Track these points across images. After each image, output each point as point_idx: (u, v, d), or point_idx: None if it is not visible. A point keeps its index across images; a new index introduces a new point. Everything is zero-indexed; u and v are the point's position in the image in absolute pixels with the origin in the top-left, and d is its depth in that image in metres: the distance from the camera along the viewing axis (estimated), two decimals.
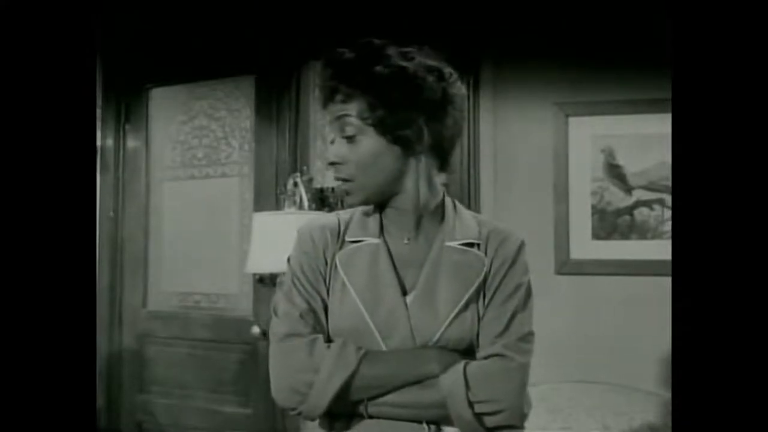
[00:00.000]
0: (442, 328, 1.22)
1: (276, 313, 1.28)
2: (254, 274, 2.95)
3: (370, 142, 1.22)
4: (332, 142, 1.27)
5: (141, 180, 3.44)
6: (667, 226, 2.60)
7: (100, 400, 3.33)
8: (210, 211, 3.30)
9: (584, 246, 2.67)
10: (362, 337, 1.22)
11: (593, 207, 2.67)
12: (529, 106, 2.74)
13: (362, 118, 1.21)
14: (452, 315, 1.22)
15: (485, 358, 1.22)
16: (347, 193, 1.27)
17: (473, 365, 1.20)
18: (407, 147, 1.23)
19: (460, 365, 1.20)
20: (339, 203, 2.96)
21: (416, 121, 1.21)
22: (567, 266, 2.67)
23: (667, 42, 1.19)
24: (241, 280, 3.15)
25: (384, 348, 1.22)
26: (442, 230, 1.29)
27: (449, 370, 1.19)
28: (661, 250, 2.55)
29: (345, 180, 1.25)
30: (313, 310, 1.25)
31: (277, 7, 3.00)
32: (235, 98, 3.26)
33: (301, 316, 1.24)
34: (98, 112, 3.41)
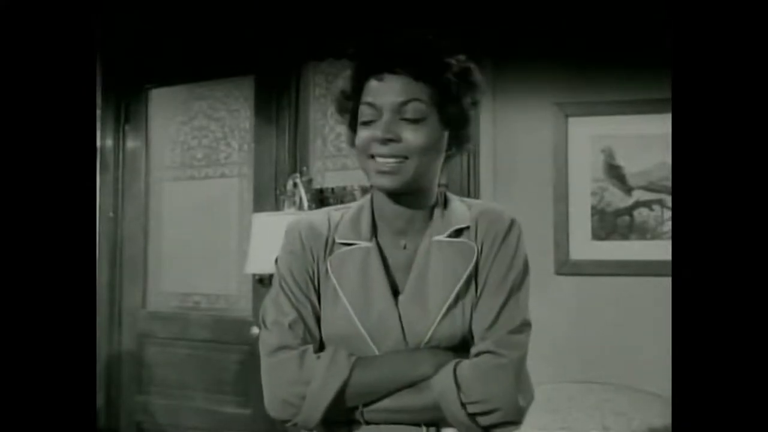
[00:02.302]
0: (433, 327, 1.19)
1: (265, 324, 1.25)
2: (254, 275, 2.95)
3: (434, 128, 1.21)
4: (366, 122, 1.21)
5: (140, 180, 3.44)
6: (667, 227, 2.60)
7: (100, 401, 3.33)
8: (209, 212, 3.31)
9: (584, 246, 2.67)
10: (355, 343, 1.20)
11: (593, 207, 2.67)
12: (529, 106, 2.74)
13: (433, 104, 1.20)
14: (442, 313, 1.19)
15: (476, 355, 1.19)
16: (387, 173, 1.19)
17: (464, 365, 1.18)
18: (463, 141, 1.28)
19: (451, 366, 1.18)
20: (339, 204, 2.96)
21: (470, 113, 1.26)
22: (566, 266, 2.66)
23: (667, 42, 1.18)
24: (241, 281, 3.14)
25: (377, 353, 1.20)
26: (431, 226, 1.26)
27: (440, 371, 1.18)
28: (661, 250, 2.55)
29: (398, 157, 1.19)
30: (302, 318, 1.23)
31: (276, 7, 3.00)
32: (234, 98, 3.26)
33: (289, 326, 1.22)
34: (98, 112, 3.41)
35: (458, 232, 1.25)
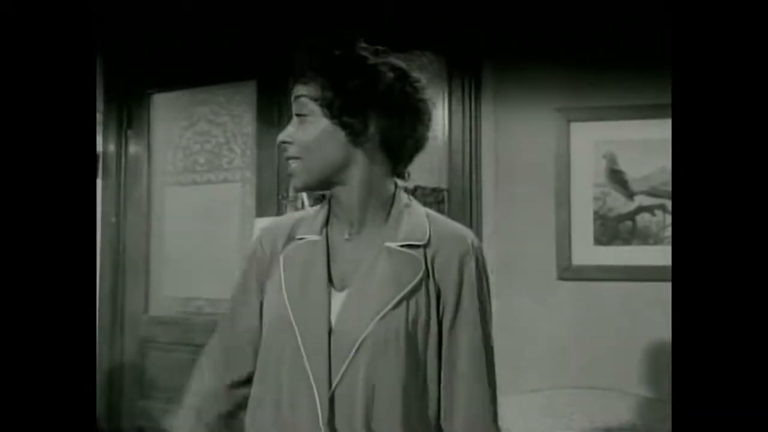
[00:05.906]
0: (368, 330, 1.17)
1: None
2: None
3: (318, 123, 1.23)
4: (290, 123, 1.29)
5: (143, 185, 3.44)
6: (669, 232, 2.60)
7: (102, 406, 3.33)
8: (212, 217, 3.31)
9: (586, 251, 2.67)
10: (283, 330, 1.22)
11: (595, 212, 2.67)
12: (531, 111, 2.74)
13: (313, 99, 1.23)
14: (378, 317, 1.18)
15: None
16: (291, 175, 1.27)
17: None
18: (351, 135, 1.23)
19: None
20: None
21: (363, 110, 1.22)
22: (569, 272, 2.66)
23: (668, 47, 1.18)
24: None
25: (300, 342, 1.20)
26: (385, 230, 1.26)
27: None
28: (663, 255, 2.54)
29: (293, 158, 1.26)
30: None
31: (278, 11, 3.01)
32: (236, 103, 3.26)
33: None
34: (100, 117, 3.42)
35: (410, 246, 1.24)
